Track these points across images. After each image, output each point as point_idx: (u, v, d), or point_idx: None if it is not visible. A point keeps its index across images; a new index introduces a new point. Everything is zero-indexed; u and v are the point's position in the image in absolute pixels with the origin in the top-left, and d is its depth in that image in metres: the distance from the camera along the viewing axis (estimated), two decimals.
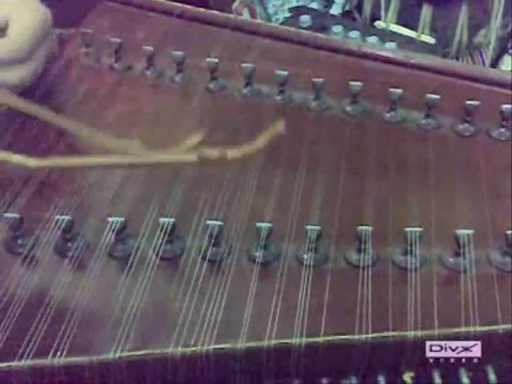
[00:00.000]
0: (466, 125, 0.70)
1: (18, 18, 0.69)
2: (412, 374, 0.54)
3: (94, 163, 0.59)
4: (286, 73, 0.73)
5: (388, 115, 0.72)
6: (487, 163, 0.67)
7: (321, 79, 0.72)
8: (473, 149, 0.69)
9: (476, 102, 0.69)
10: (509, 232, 0.56)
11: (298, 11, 1.22)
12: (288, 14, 1.24)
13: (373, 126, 0.71)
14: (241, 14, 1.19)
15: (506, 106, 0.69)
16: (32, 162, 0.55)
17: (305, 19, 1.18)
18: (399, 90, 0.70)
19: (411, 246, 0.56)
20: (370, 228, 0.57)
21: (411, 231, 0.56)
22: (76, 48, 0.81)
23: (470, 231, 0.56)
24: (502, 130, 0.70)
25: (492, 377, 0.54)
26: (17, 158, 0.54)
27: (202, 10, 0.86)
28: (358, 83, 0.71)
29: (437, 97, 0.70)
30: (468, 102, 0.69)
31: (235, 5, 1.19)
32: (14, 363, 0.50)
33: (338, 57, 0.80)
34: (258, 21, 1.11)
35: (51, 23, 0.72)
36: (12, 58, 0.67)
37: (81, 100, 0.74)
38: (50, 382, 0.51)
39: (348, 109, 0.72)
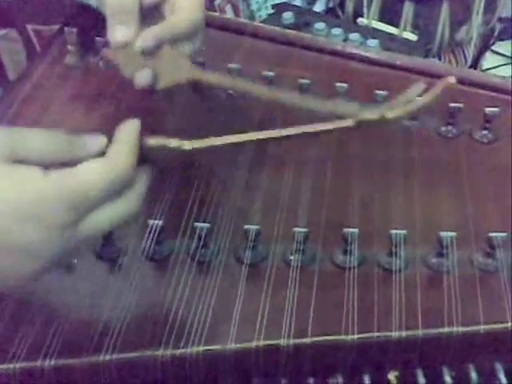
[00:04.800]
0: (450, 127, 0.71)
1: None
2: (396, 373, 0.55)
3: (247, 139, 0.54)
4: (272, 73, 0.73)
5: None
6: (470, 165, 0.68)
7: (307, 80, 0.73)
8: (456, 151, 0.69)
9: (459, 105, 0.70)
10: (491, 234, 0.57)
11: (280, 8, 1.22)
12: (271, 11, 1.24)
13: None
14: (224, 11, 1.19)
15: (489, 109, 0.70)
16: (188, 145, 0.51)
17: (288, 16, 1.18)
18: (384, 92, 0.71)
19: (396, 247, 0.57)
20: (355, 230, 0.58)
21: (396, 233, 0.57)
22: (61, 46, 0.81)
23: (453, 233, 0.57)
24: (485, 132, 0.71)
25: (473, 375, 0.55)
26: (174, 143, 0.51)
27: None
28: (344, 84, 0.72)
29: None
30: (451, 104, 0.70)
31: (218, 2, 1.19)
32: (4, 366, 0.50)
33: (324, 57, 0.80)
34: (243, 20, 1.11)
35: None
36: (191, 30, 0.63)
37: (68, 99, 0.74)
38: None
39: None
